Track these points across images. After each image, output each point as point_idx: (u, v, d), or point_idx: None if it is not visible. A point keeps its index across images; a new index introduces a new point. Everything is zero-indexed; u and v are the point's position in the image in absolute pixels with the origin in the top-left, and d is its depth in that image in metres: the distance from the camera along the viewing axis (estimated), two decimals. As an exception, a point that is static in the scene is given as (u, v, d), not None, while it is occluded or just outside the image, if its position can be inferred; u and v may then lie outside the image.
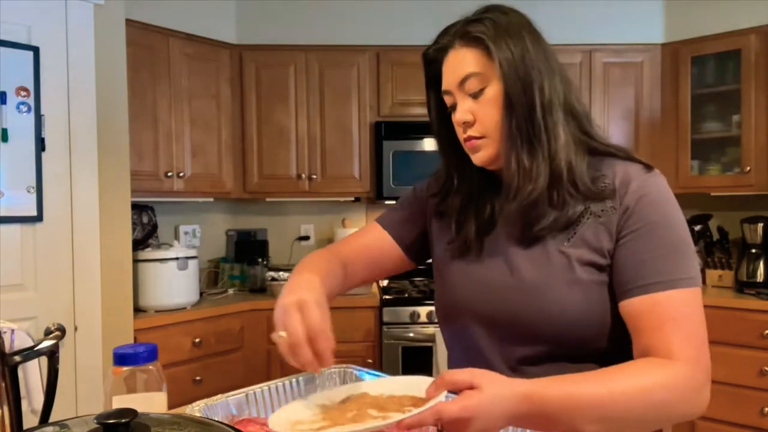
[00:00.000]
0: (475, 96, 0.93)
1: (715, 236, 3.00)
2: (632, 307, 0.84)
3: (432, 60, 1.00)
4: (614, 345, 0.90)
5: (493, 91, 0.91)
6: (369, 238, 1.12)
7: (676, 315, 0.81)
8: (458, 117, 0.94)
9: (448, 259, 1.04)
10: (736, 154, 2.85)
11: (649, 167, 0.92)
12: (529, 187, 0.89)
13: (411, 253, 1.12)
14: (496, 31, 0.91)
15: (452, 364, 1.08)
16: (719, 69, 2.93)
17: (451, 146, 1.01)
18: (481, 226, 1.00)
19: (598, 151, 0.94)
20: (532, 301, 0.91)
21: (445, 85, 0.96)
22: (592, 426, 0.75)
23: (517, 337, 0.93)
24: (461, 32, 0.94)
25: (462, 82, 0.93)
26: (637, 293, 0.84)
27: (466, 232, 1.00)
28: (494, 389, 0.71)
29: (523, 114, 0.89)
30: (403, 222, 1.12)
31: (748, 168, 2.78)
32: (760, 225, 2.81)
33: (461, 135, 0.96)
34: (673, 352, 0.79)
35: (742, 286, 2.79)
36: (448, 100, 0.97)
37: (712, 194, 2.94)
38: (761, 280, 2.76)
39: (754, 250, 2.82)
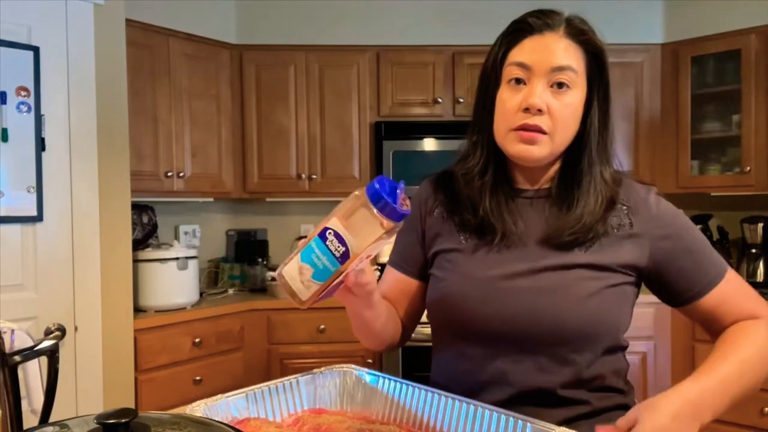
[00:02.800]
0: (559, 90, 0.89)
1: (715, 236, 3.00)
2: (706, 303, 0.94)
3: (518, 28, 0.92)
4: (608, 344, 0.94)
5: (578, 97, 0.91)
6: (388, 286, 1.08)
7: (739, 291, 0.95)
8: (535, 101, 0.88)
9: (455, 256, 0.98)
10: (736, 154, 2.85)
11: (647, 184, 0.99)
12: (600, 200, 0.92)
13: (424, 276, 1.06)
14: (603, 48, 0.93)
15: (441, 364, 1.05)
16: (719, 69, 2.93)
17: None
18: (508, 222, 0.95)
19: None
20: (550, 302, 0.90)
21: (527, 59, 0.90)
22: (735, 400, 0.84)
23: (524, 339, 0.92)
24: (572, 27, 0.91)
25: (558, 69, 0.89)
26: (704, 293, 0.93)
27: (492, 227, 0.95)
28: (657, 409, 0.77)
29: (610, 133, 0.94)
30: (401, 250, 1.07)
31: (748, 168, 2.78)
32: (760, 225, 2.81)
33: (517, 120, 0.90)
34: (756, 314, 0.93)
35: (742, 286, 2.79)
36: (517, 72, 0.91)
37: (712, 194, 2.94)
38: (761, 280, 2.77)
39: (754, 250, 2.82)
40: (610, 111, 0.95)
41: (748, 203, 3.00)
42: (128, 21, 2.37)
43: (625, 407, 0.92)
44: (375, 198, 0.70)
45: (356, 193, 0.72)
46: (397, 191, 0.71)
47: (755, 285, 2.74)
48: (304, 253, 0.75)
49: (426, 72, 3.06)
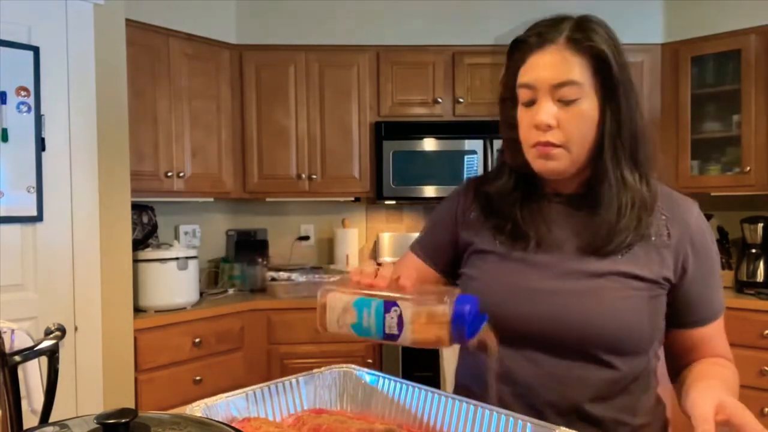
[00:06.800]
0: (566, 104, 0.89)
1: (715, 236, 3.00)
2: (696, 334, 0.98)
3: (521, 48, 0.93)
4: (633, 352, 0.93)
5: (588, 105, 0.90)
6: (406, 266, 1.14)
7: (723, 333, 1.00)
8: (542, 118, 0.89)
9: (490, 258, 1.01)
10: (736, 154, 2.85)
11: (687, 197, 0.99)
12: (628, 206, 0.91)
13: (445, 270, 1.11)
14: (613, 50, 0.90)
15: (465, 363, 1.07)
16: (719, 69, 2.93)
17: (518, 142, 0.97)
18: (541, 228, 0.97)
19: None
20: (581, 305, 0.91)
21: (530, 79, 0.91)
22: None
23: (551, 345, 0.93)
24: (569, 36, 0.89)
25: (558, 86, 0.89)
26: (706, 322, 0.97)
27: (525, 234, 0.97)
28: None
29: (629, 136, 0.92)
30: (432, 241, 1.13)
31: (748, 168, 2.78)
32: (760, 225, 2.81)
33: (532, 138, 0.92)
34: (727, 356, 0.99)
35: (742, 286, 2.79)
36: (525, 94, 0.92)
37: (712, 194, 2.94)
38: (761, 280, 2.76)
39: (754, 250, 2.82)
40: (626, 114, 0.91)
41: (748, 203, 3.00)
42: (128, 21, 2.37)
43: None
44: (457, 320, 0.70)
45: (446, 298, 0.71)
46: (481, 325, 0.73)
47: (755, 285, 2.75)
48: (360, 302, 0.75)
49: (426, 72, 3.06)
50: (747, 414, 0.71)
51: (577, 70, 0.89)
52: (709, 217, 2.99)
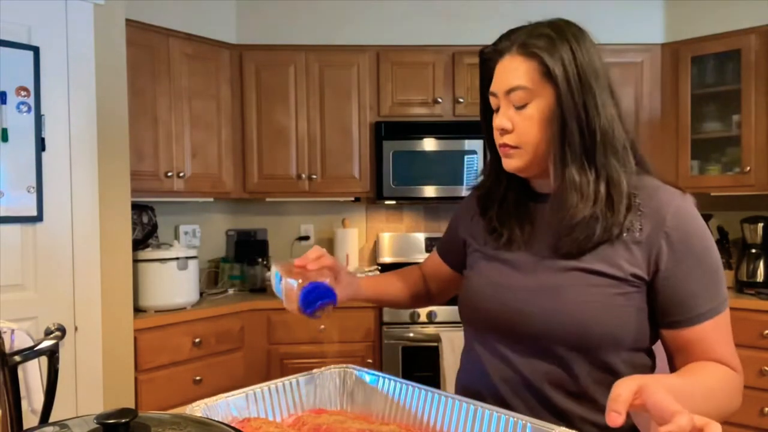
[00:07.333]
0: (518, 108, 0.94)
1: (715, 236, 3.00)
2: (682, 336, 0.91)
3: (488, 59, 1.00)
4: (617, 355, 0.92)
5: (537, 108, 0.92)
6: (429, 261, 1.28)
7: (722, 337, 0.91)
8: (497, 122, 0.96)
9: (478, 257, 1.07)
10: (736, 154, 2.85)
11: (680, 190, 0.94)
12: (580, 205, 0.91)
13: (458, 268, 1.19)
14: (555, 48, 0.91)
15: (463, 370, 1.10)
16: (719, 69, 2.93)
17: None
18: (514, 228, 1.01)
19: (635, 167, 0.96)
20: (541, 301, 0.93)
21: (492, 87, 0.98)
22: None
23: (514, 340, 0.97)
24: (522, 42, 0.94)
25: (509, 91, 0.94)
26: (688, 324, 0.90)
27: (500, 233, 1.03)
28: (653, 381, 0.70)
29: (579, 136, 0.91)
30: (446, 242, 1.23)
31: (748, 168, 2.78)
32: (760, 225, 2.81)
33: (497, 139, 0.99)
34: (728, 364, 0.90)
35: (742, 286, 2.79)
36: (493, 101, 0.99)
37: (712, 194, 2.94)
38: (761, 280, 2.76)
39: (754, 250, 2.82)
40: (573, 114, 0.90)
41: (748, 203, 3.00)
42: (128, 21, 2.37)
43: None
44: (301, 298, 0.94)
45: (300, 281, 0.95)
46: (319, 303, 0.94)
47: (755, 285, 2.75)
48: (276, 273, 1.04)
49: (426, 72, 3.06)
50: (662, 392, 0.65)
51: (524, 75, 0.92)
52: (709, 217, 3.00)
